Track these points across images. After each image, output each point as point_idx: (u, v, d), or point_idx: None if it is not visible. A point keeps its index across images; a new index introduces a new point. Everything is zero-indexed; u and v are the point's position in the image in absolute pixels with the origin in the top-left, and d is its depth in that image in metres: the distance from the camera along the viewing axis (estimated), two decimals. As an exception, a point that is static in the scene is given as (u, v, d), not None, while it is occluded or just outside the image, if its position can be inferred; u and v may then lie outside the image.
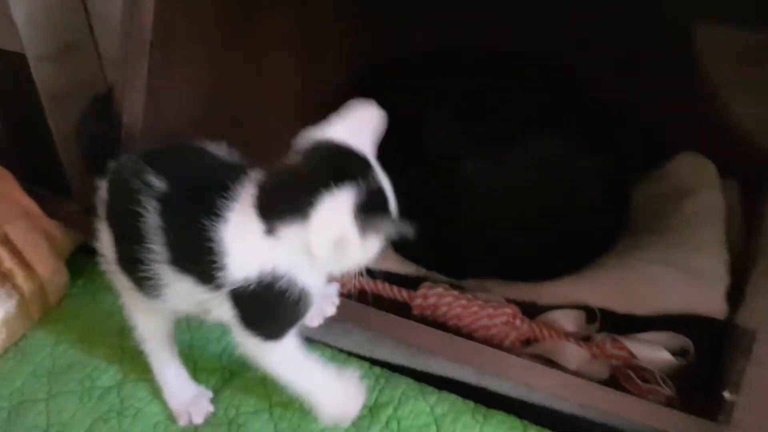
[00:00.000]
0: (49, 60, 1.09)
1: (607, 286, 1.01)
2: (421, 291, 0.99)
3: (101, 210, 0.80)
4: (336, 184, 0.67)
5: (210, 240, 0.71)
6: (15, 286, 1.02)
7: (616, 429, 0.88)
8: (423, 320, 0.96)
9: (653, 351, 0.91)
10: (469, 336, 0.94)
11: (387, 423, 0.90)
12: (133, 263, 0.76)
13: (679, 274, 1.00)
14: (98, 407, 0.93)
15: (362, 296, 0.89)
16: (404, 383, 0.94)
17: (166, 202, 0.72)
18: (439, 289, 0.98)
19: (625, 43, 1.15)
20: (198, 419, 0.91)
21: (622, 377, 0.90)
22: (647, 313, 0.96)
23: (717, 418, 0.79)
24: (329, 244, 0.68)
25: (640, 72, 1.16)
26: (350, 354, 0.98)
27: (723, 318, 0.94)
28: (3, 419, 0.93)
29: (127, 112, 0.91)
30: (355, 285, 0.87)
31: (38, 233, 1.06)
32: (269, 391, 0.93)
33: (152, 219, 0.72)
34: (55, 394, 0.95)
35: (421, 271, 1.05)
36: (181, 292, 0.75)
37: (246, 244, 0.71)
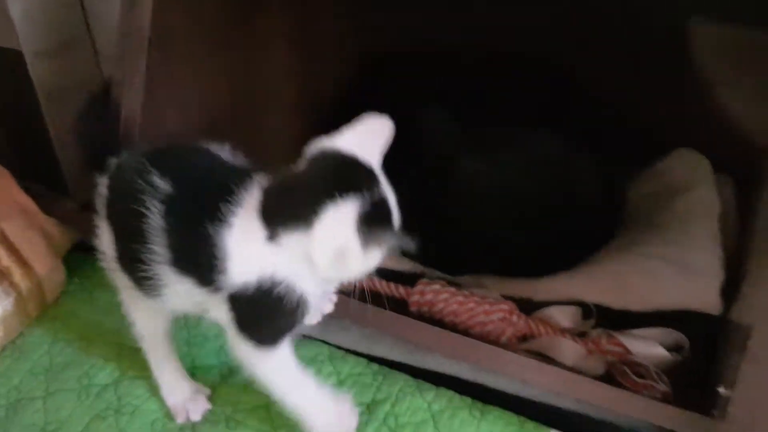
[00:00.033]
0: (46, 57, 1.09)
1: (603, 282, 1.01)
2: (418, 288, 0.99)
3: (101, 207, 0.80)
4: (340, 195, 0.68)
5: (212, 243, 0.71)
6: (12, 284, 1.01)
7: (611, 424, 0.88)
8: (420, 317, 0.97)
9: (648, 347, 0.92)
10: (465, 332, 0.94)
11: (384, 419, 0.90)
12: (133, 262, 0.76)
13: (674, 270, 1.00)
14: (96, 405, 0.93)
15: (360, 293, 0.89)
16: (402, 380, 0.95)
17: (169, 204, 0.72)
18: (436, 286, 0.98)
19: (620, 42, 1.16)
20: (196, 416, 0.91)
21: (617, 373, 0.90)
22: (642, 309, 0.97)
23: (712, 413, 0.80)
24: (331, 254, 0.69)
25: (635, 70, 1.17)
26: (348, 351, 0.98)
27: (717, 314, 0.94)
28: (1, 417, 0.93)
29: (125, 109, 0.91)
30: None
31: (35, 231, 1.06)
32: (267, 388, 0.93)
33: (155, 220, 0.72)
34: (52, 391, 0.95)
35: (418, 268, 1.05)
36: (181, 293, 0.75)
37: (247, 248, 0.71)
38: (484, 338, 0.93)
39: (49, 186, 1.13)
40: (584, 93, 1.10)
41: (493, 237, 1.02)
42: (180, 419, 0.91)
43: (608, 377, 0.90)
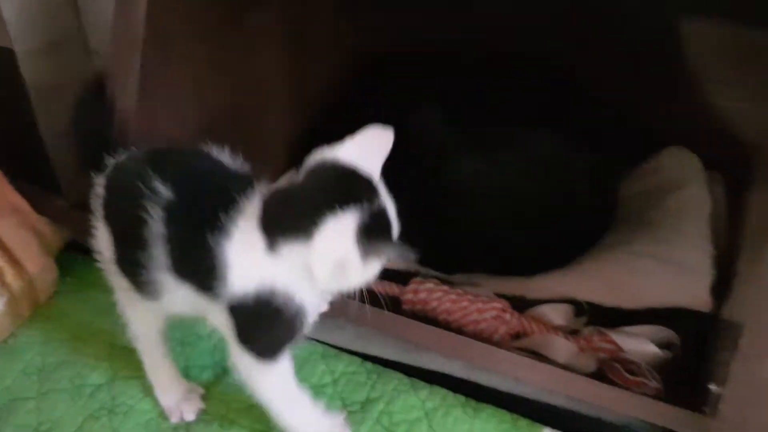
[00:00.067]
0: (38, 55, 1.08)
1: (595, 280, 1.02)
2: (412, 286, 0.99)
3: (98, 208, 0.80)
4: (340, 207, 0.68)
5: (212, 252, 0.71)
6: (4, 284, 1.01)
7: (604, 421, 0.89)
8: (413, 315, 0.97)
9: (640, 344, 0.93)
10: (459, 330, 0.94)
11: (378, 418, 0.90)
12: (132, 266, 0.76)
13: (665, 267, 1.01)
14: (89, 405, 0.93)
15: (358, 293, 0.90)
16: (396, 378, 0.95)
17: (170, 211, 0.72)
18: (430, 284, 0.99)
19: (612, 42, 1.16)
20: (190, 416, 0.91)
21: (609, 370, 0.91)
22: (634, 306, 0.98)
23: (703, 410, 0.80)
24: (330, 266, 0.69)
25: (627, 69, 1.17)
26: (342, 349, 0.99)
27: (708, 311, 0.95)
28: (-7, 417, 0.93)
29: (120, 108, 0.91)
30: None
31: (27, 230, 1.06)
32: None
33: (156, 226, 0.72)
34: (45, 392, 0.95)
35: (411, 266, 1.05)
36: (180, 297, 0.76)
37: (247, 258, 0.71)
38: (478, 336, 0.94)
39: (40, 185, 1.12)
40: (579, 92, 1.10)
41: (487, 236, 1.03)
42: (174, 419, 0.91)
43: (600, 374, 0.91)
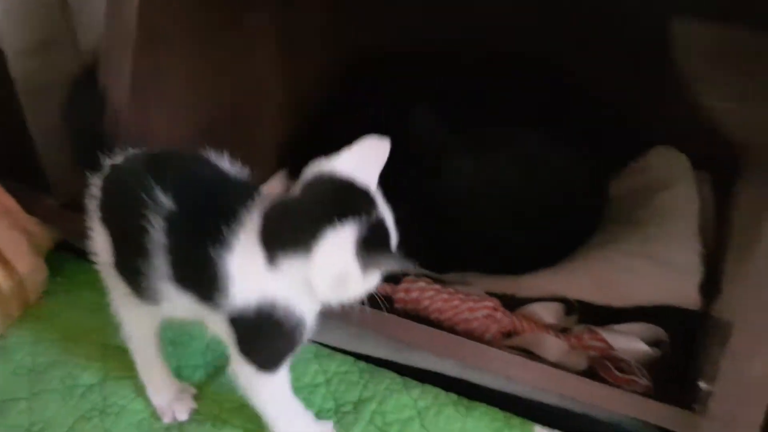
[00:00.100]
0: (27, 55, 1.08)
1: (585, 279, 1.02)
2: (404, 285, 1.00)
3: (95, 209, 0.79)
4: (339, 220, 0.68)
5: (213, 264, 0.71)
6: (-6, 285, 1.01)
7: (595, 419, 0.90)
8: (405, 314, 0.97)
9: (629, 342, 0.93)
10: (450, 329, 0.95)
11: (371, 418, 0.91)
12: (132, 272, 0.76)
13: (654, 266, 1.02)
14: (81, 405, 0.93)
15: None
16: (388, 378, 0.95)
17: (172, 221, 0.72)
18: (421, 283, 0.99)
19: (600, 41, 1.17)
20: (182, 416, 0.91)
21: (599, 368, 0.91)
22: (623, 304, 0.99)
23: (692, 407, 0.81)
24: (330, 280, 0.69)
25: (616, 68, 1.18)
26: (334, 349, 0.99)
27: (697, 309, 0.96)
28: (-15, 418, 0.93)
29: (112, 107, 0.90)
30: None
31: (17, 230, 1.05)
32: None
33: (157, 236, 0.72)
34: (36, 392, 0.95)
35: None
36: (179, 304, 0.76)
37: (248, 271, 0.71)
38: (469, 335, 0.94)
39: (29, 185, 1.12)
40: (571, 91, 1.11)
41: (479, 235, 1.03)
42: (167, 419, 0.91)
43: (591, 372, 0.91)
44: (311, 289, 0.70)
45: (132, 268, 0.75)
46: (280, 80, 1.18)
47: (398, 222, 0.73)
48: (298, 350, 0.77)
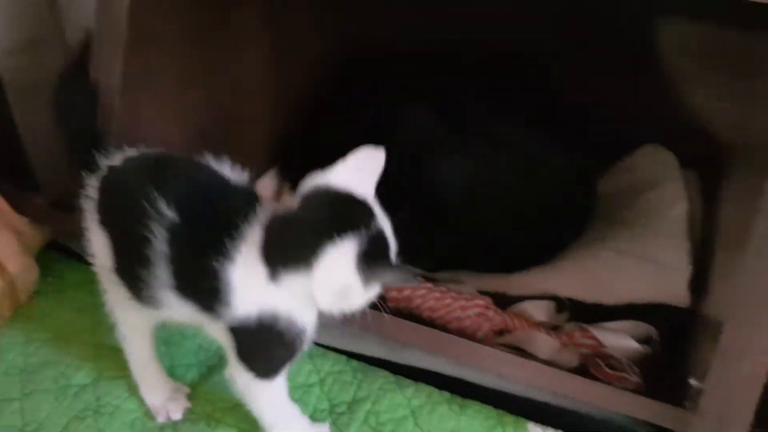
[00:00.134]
0: (15, 54, 1.07)
1: (575, 277, 1.03)
2: (396, 284, 1.00)
3: (92, 211, 0.79)
4: (339, 236, 0.68)
5: (216, 275, 0.71)
6: (-15, 285, 1.00)
7: (587, 416, 0.90)
8: (397, 312, 0.97)
9: (619, 339, 0.94)
10: (443, 328, 0.95)
11: (366, 419, 0.91)
12: (132, 279, 0.76)
13: (643, 264, 1.03)
14: (74, 405, 0.93)
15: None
16: (381, 377, 0.96)
17: (174, 232, 0.72)
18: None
19: (588, 40, 1.18)
20: (176, 416, 0.91)
21: (591, 365, 0.92)
22: (613, 302, 1.00)
23: (683, 404, 0.82)
24: (332, 293, 0.70)
25: (603, 67, 1.19)
26: (328, 348, 0.99)
27: (686, 306, 0.97)
28: (-22, 419, 0.92)
29: (103, 105, 0.90)
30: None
31: (7, 230, 1.04)
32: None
33: (159, 246, 0.72)
34: (29, 392, 0.94)
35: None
36: (180, 311, 0.76)
37: (250, 283, 0.72)
38: (462, 333, 0.95)
39: (18, 185, 1.11)
40: (555, 89, 1.12)
41: (471, 234, 1.04)
42: (161, 419, 0.91)
43: (582, 370, 0.92)
44: (313, 301, 0.71)
45: (133, 275, 0.75)
46: (271, 78, 1.18)
47: (391, 221, 0.73)
48: (298, 358, 0.78)
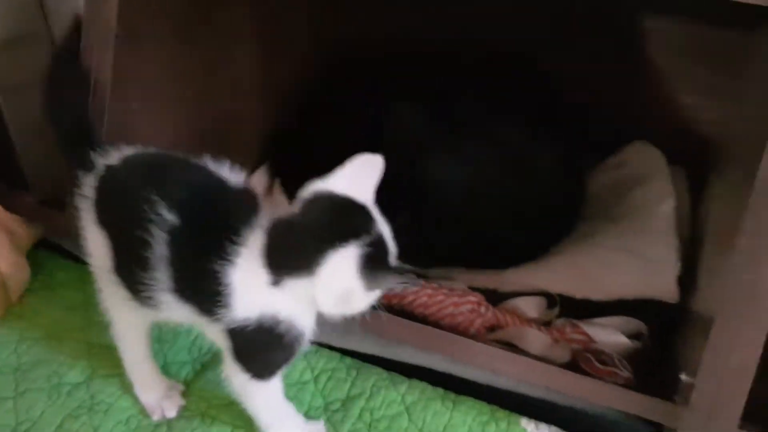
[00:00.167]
0: (4, 50, 1.06)
1: (565, 273, 1.04)
2: (388, 281, 1.00)
3: (89, 211, 0.78)
4: (340, 242, 0.69)
5: (216, 279, 0.71)
6: (-24, 284, 1.00)
7: (579, 411, 0.91)
8: (390, 309, 0.98)
9: (610, 335, 0.96)
10: (435, 324, 0.96)
11: (360, 415, 0.92)
12: (132, 281, 0.76)
13: (632, 259, 1.04)
14: (68, 404, 0.93)
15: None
16: (375, 374, 0.96)
17: (174, 235, 0.72)
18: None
19: (580, 37, 1.19)
20: (171, 413, 0.91)
21: (581, 360, 0.93)
22: (603, 298, 1.01)
23: (673, 398, 0.84)
24: (335, 298, 0.71)
25: (593, 63, 1.20)
26: (321, 345, 0.99)
27: (675, 302, 0.99)
28: (-29, 419, 0.92)
29: (94, 103, 0.90)
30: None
31: (-1, 229, 1.04)
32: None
33: (159, 249, 0.72)
34: (22, 391, 0.94)
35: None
36: (179, 313, 0.76)
37: (251, 287, 0.72)
38: (454, 330, 0.95)
39: (7, 183, 1.10)
40: (544, 86, 1.12)
41: (462, 230, 1.04)
42: (156, 416, 0.91)
43: (574, 365, 0.93)
44: (314, 305, 0.72)
45: (132, 277, 0.75)
46: (263, 76, 1.18)
47: (390, 226, 0.74)
48: (295, 359, 0.78)
